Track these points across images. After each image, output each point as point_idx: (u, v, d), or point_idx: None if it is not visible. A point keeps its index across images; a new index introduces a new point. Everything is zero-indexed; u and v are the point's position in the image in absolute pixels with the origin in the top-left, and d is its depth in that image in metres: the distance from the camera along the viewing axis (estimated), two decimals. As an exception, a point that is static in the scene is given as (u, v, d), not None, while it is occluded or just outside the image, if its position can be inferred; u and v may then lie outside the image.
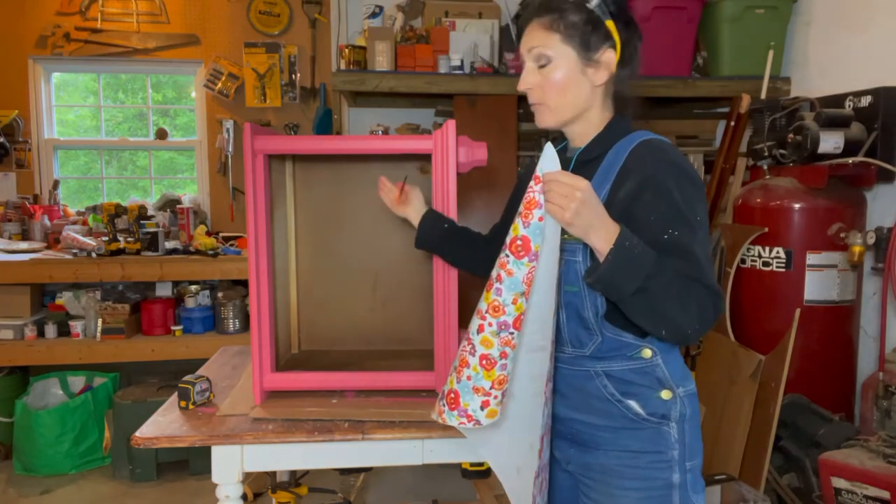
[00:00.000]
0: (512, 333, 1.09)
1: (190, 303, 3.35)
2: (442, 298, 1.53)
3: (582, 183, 1.05)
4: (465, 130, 1.55)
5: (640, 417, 1.19)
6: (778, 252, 2.51)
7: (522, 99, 3.28)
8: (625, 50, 1.22)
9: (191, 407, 1.56)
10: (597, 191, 1.11)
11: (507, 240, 1.09)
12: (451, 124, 1.46)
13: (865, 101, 2.51)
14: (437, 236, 1.53)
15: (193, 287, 3.44)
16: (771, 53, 3.08)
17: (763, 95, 3.04)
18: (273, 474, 2.19)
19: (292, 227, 1.88)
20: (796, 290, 2.48)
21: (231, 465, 1.44)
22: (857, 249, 2.35)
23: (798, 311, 2.37)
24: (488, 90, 3.10)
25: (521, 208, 1.08)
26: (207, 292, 3.43)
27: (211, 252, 3.24)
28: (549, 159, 1.08)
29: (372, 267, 1.90)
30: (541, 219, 1.07)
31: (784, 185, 2.54)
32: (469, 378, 1.12)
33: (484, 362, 1.10)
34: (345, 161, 1.86)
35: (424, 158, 1.80)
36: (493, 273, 1.10)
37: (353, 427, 1.45)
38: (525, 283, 1.08)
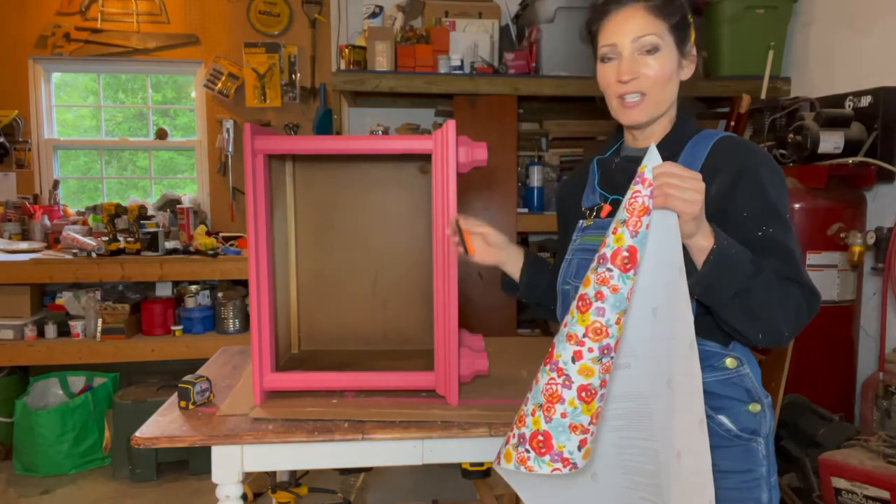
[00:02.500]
0: (612, 358, 0.98)
1: (190, 303, 3.35)
2: (442, 298, 1.53)
3: (697, 173, 0.98)
4: (465, 130, 1.54)
5: (731, 434, 1.12)
6: (778, 252, 2.50)
7: (522, 99, 3.31)
8: (697, 46, 1.19)
9: (191, 407, 1.56)
10: None
11: (608, 252, 0.97)
12: (451, 124, 1.46)
13: (865, 101, 2.51)
14: (544, 284, 1.40)
15: (193, 287, 3.44)
16: (771, 53, 3.08)
17: (763, 95, 3.04)
18: (273, 474, 2.19)
19: (292, 227, 1.88)
20: (796, 290, 2.48)
21: (231, 465, 1.44)
22: (857, 249, 2.35)
23: (798, 311, 2.37)
24: (488, 90, 3.10)
25: (625, 216, 0.97)
26: (207, 292, 3.43)
27: (211, 252, 3.24)
28: (654, 160, 0.99)
29: (372, 267, 1.90)
30: (648, 226, 0.97)
31: (784, 185, 2.53)
32: (564, 415, 0.98)
33: (583, 394, 0.97)
34: (345, 161, 1.86)
35: (424, 158, 1.80)
36: (589, 291, 0.98)
37: (353, 427, 1.45)
38: (628, 298, 0.97)
